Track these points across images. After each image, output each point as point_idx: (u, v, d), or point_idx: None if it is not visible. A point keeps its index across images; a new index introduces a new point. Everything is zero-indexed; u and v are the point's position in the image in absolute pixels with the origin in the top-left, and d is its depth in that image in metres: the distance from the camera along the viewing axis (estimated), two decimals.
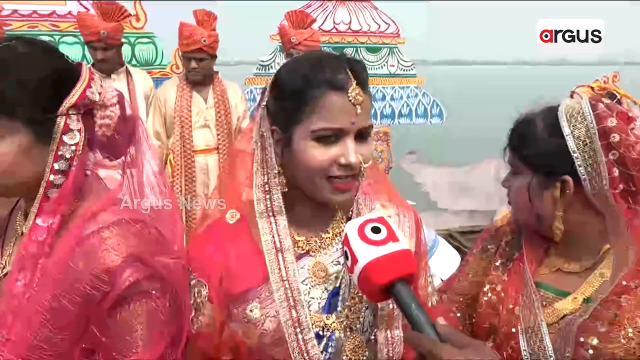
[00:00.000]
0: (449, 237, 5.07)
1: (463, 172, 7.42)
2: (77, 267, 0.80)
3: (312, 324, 0.91)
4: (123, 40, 4.13)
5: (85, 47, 3.26)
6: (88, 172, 0.92)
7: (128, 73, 3.25)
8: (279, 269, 0.90)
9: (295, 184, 0.93)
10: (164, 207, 0.96)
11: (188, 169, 3.20)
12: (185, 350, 0.91)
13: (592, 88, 1.27)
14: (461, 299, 1.20)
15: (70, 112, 0.85)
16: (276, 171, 0.93)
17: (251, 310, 0.90)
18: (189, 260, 0.96)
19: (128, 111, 0.94)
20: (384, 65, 5.28)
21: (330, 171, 0.88)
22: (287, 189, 0.94)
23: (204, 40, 3.00)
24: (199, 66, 3.08)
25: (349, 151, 0.87)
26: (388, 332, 0.95)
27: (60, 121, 0.84)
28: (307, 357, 0.88)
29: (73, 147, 0.85)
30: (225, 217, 0.97)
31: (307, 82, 0.88)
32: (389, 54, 5.27)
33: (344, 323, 0.92)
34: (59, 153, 0.85)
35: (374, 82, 5.24)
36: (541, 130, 1.03)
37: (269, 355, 0.90)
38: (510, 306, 1.06)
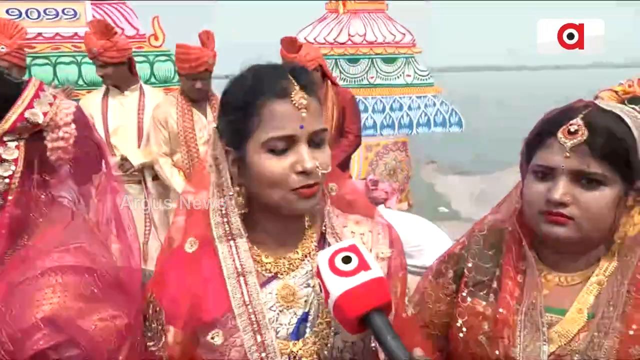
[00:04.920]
0: None
1: (484, 181, 7.32)
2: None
3: (279, 351, 0.88)
4: (142, 58, 4.25)
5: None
6: (63, 199, 0.84)
7: (142, 91, 3.31)
8: (241, 293, 0.88)
9: (259, 202, 0.91)
10: (125, 247, 0.89)
11: None
12: None
13: (616, 92, 1.23)
14: (429, 330, 1.11)
15: (5, 139, 0.76)
16: (231, 193, 0.91)
17: (212, 338, 0.87)
18: (152, 288, 0.93)
19: (95, 134, 0.87)
20: (401, 75, 5.26)
21: (291, 182, 0.86)
22: (246, 210, 0.92)
23: (210, 61, 3.08)
24: (203, 86, 3.14)
25: (304, 157, 0.85)
26: None
27: None
28: None
29: (7, 180, 0.76)
30: (184, 247, 0.93)
31: (250, 95, 0.87)
32: (405, 64, 5.26)
33: (311, 349, 0.89)
34: None
35: (391, 93, 5.24)
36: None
37: None
38: (507, 336, 0.97)
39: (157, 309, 0.91)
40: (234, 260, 0.90)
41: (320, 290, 0.80)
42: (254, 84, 0.88)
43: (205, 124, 3.21)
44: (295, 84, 0.87)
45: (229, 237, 0.91)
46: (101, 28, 3.08)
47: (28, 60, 3.95)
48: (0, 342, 0.70)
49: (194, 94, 3.15)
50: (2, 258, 0.77)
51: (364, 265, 0.78)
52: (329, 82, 3.47)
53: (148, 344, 0.91)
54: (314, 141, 0.88)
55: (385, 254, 0.97)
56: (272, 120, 0.85)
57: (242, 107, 0.88)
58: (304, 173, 0.85)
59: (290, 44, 3.48)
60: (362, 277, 0.77)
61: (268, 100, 0.86)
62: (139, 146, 3.24)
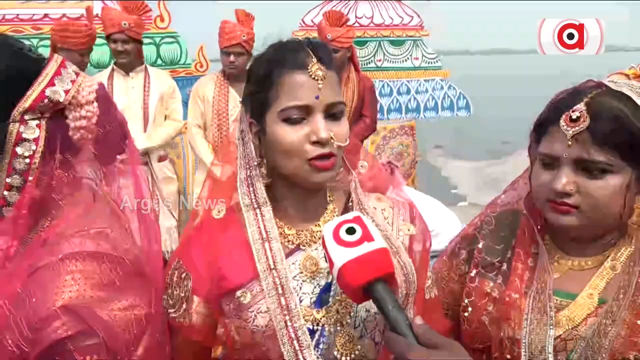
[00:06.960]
0: None
1: (491, 166, 7.30)
2: (16, 309, 0.69)
3: (303, 318, 0.89)
4: (148, 40, 4.22)
5: None
6: (86, 181, 0.82)
7: (147, 73, 3.34)
8: (266, 257, 0.91)
9: (279, 174, 0.94)
10: (147, 231, 0.89)
11: None
12: (174, 340, 0.93)
13: (627, 76, 1.20)
14: (442, 309, 1.11)
15: (26, 118, 0.73)
16: (256, 163, 0.95)
17: (242, 296, 0.90)
18: (179, 256, 0.97)
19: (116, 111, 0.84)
20: (408, 58, 5.21)
21: (306, 152, 0.89)
22: (268, 180, 0.96)
23: (244, 37, 3.27)
24: (236, 61, 3.30)
25: (318, 127, 0.88)
26: None
27: (13, 129, 0.73)
28: (297, 345, 0.87)
29: (27, 160, 0.74)
30: (212, 213, 0.98)
31: (270, 67, 0.92)
32: (413, 47, 5.20)
33: (334, 318, 0.91)
34: (12, 167, 0.73)
35: (398, 76, 5.19)
36: None
37: (261, 351, 0.90)
38: (514, 318, 0.97)
39: (183, 275, 0.95)
40: (259, 227, 0.93)
41: (327, 261, 0.82)
42: (273, 57, 0.93)
43: (239, 103, 3.27)
44: (313, 56, 0.91)
45: (255, 206, 0.94)
46: (132, 5, 3.23)
47: (34, 41, 3.96)
48: (19, 330, 0.69)
49: (227, 68, 3.34)
50: (23, 239, 0.76)
51: (367, 237, 0.80)
52: (352, 67, 3.55)
53: (169, 311, 0.95)
54: (331, 113, 0.91)
55: (411, 232, 1.00)
56: (289, 91, 0.89)
57: (262, 80, 0.93)
58: (319, 143, 0.88)
59: (336, 17, 3.60)
60: (365, 247, 0.78)
61: (286, 72, 0.90)
62: (145, 128, 3.25)
